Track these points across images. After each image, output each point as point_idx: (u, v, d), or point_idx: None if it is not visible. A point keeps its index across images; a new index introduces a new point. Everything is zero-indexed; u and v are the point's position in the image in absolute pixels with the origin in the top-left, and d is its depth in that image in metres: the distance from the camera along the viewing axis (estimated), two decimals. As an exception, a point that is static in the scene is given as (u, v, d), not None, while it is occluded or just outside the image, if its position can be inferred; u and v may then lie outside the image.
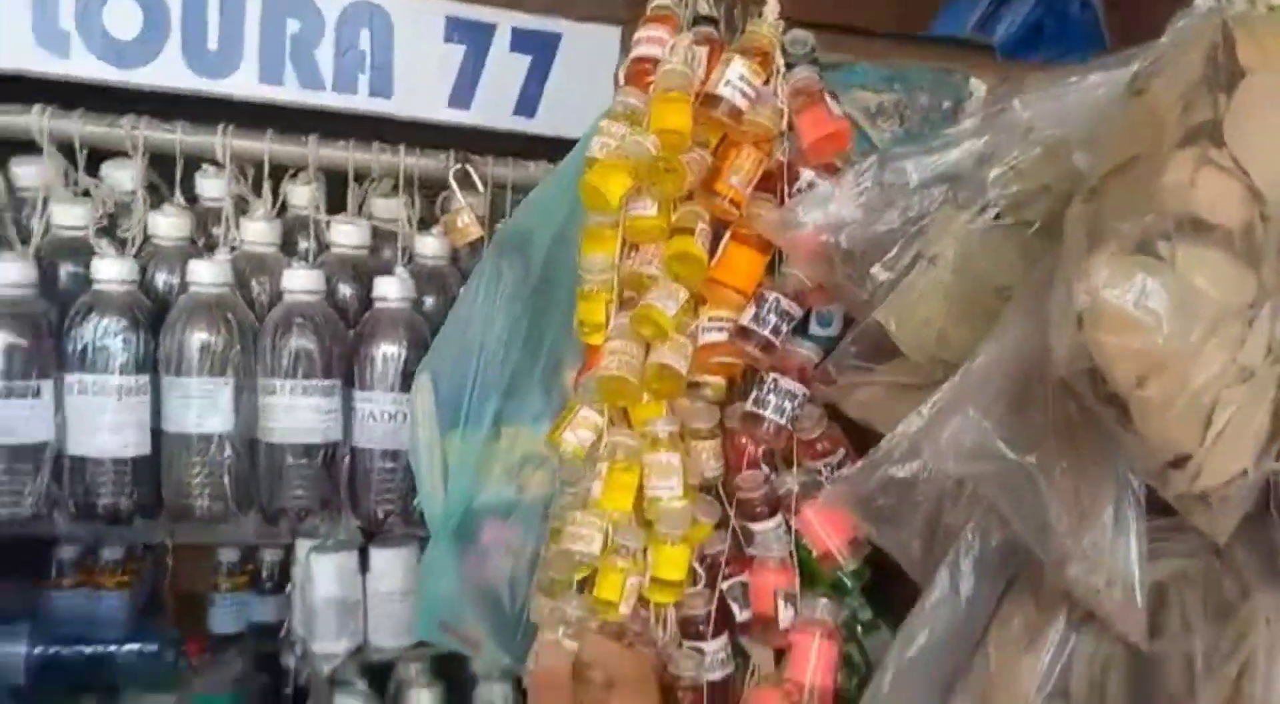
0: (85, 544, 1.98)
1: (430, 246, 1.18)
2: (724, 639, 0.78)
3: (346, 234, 1.15)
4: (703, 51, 0.79)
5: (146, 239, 1.10)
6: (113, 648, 1.93)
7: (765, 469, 0.77)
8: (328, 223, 1.16)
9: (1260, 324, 0.53)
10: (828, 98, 0.76)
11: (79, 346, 1.03)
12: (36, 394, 1.03)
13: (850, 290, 0.73)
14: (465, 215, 1.18)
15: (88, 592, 1.97)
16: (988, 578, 0.66)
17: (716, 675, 0.78)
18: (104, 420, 1.04)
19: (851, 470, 0.69)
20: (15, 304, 1.02)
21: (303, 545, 1.35)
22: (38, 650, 1.86)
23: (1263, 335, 0.53)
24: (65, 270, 1.08)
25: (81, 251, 1.07)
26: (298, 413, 1.09)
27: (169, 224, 1.09)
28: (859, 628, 0.89)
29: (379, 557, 1.30)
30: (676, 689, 0.76)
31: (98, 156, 1.11)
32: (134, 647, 1.95)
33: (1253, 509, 0.59)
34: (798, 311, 0.74)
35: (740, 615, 0.78)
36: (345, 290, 1.15)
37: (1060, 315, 0.55)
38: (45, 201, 1.07)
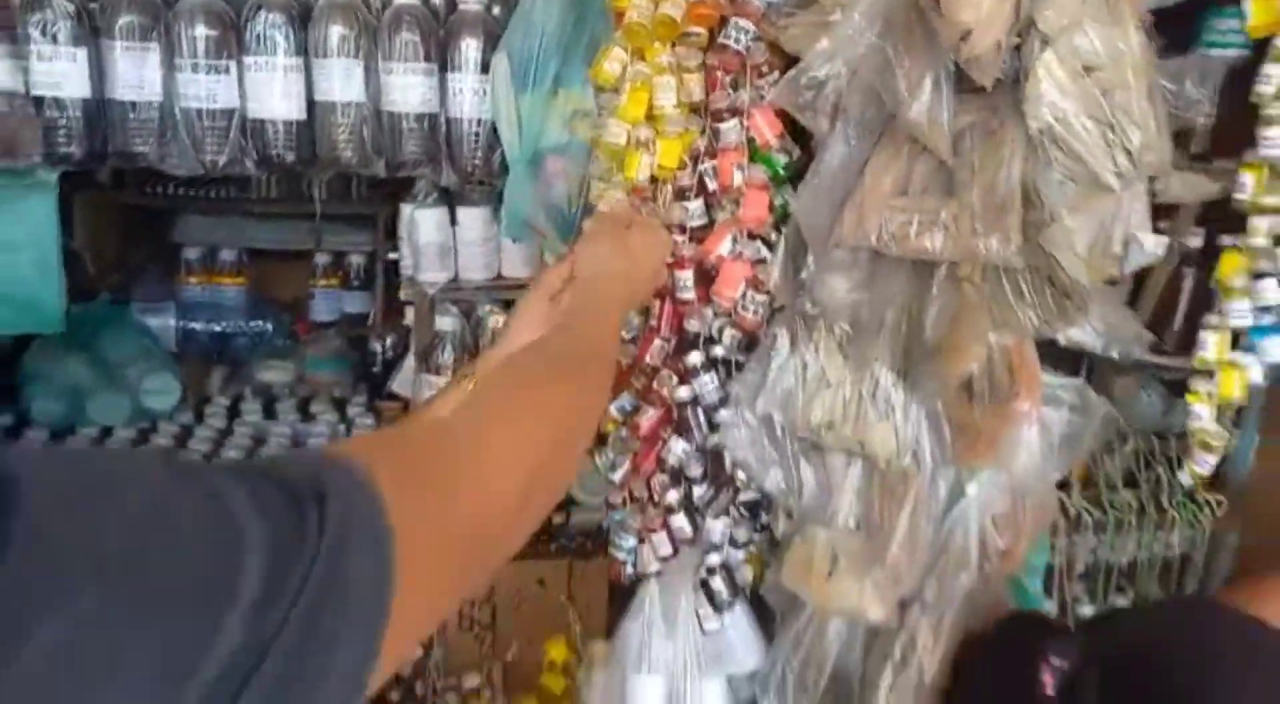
0: (204, 247, 2.48)
1: (497, -37, 1.56)
2: (701, 201, 1.22)
3: (435, -48, 1.53)
4: None
5: (291, -45, 1.49)
6: (238, 326, 2.47)
7: (730, 90, 1.19)
8: (421, -57, 1.53)
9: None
10: None
11: (253, 35, 1.44)
12: (227, 71, 1.45)
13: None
14: (524, -63, 1.54)
15: (213, 286, 2.49)
16: (865, 134, 1.08)
17: (696, 223, 1.22)
18: (274, 90, 1.46)
19: (788, 76, 1.10)
20: (209, 4, 1.42)
21: (406, 207, 1.79)
22: (182, 325, 2.40)
23: (1003, -45, 0.93)
24: (234, -20, 1.47)
25: (244, -35, 1.46)
26: (409, 89, 1.51)
27: (307, -57, 1.48)
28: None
29: (464, 213, 1.75)
30: (671, 229, 1.21)
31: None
32: (255, 324, 2.48)
33: (1011, 79, 1.01)
34: (753, -25, 1.13)
35: (711, 186, 1.22)
36: (436, -1, 1.54)
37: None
38: (215, -73, 1.45)
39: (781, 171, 1.22)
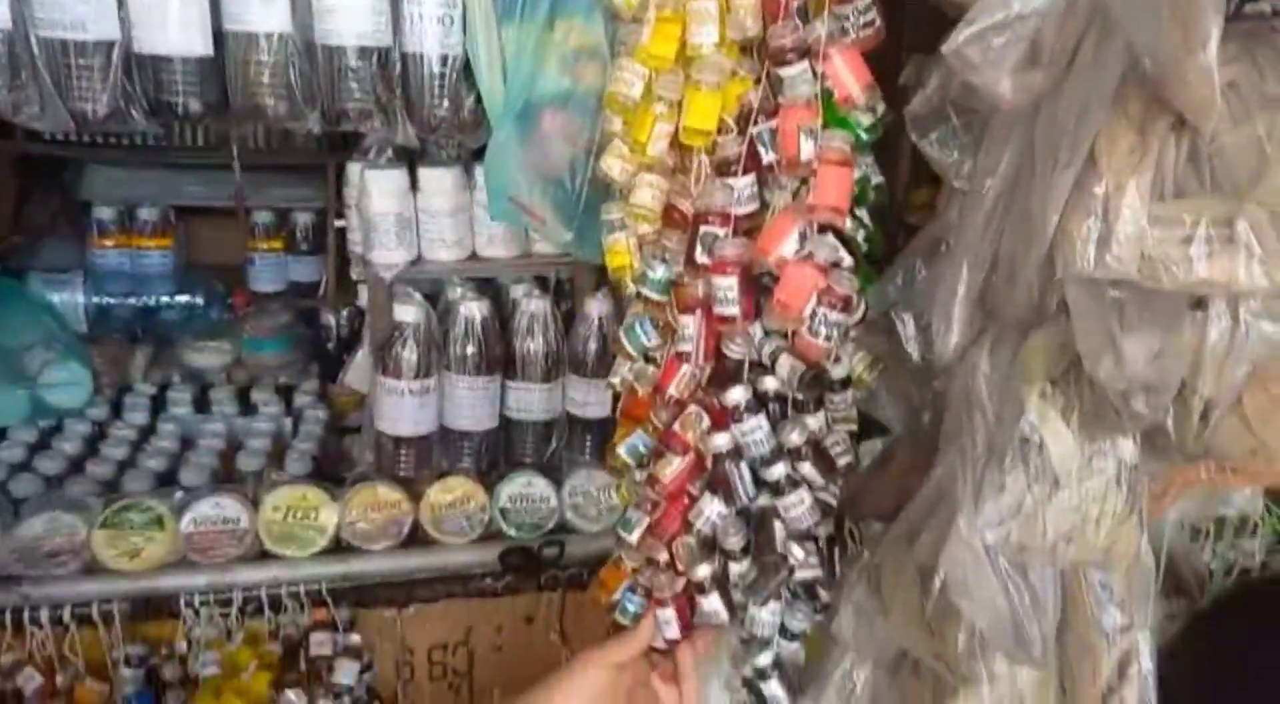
0: (120, 205, 2.08)
1: None
2: (752, 177, 0.87)
3: None
4: None
5: None
6: (163, 300, 2.09)
7: (798, 21, 0.83)
8: None
9: None
10: None
11: (135, -62, 1.05)
12: (101, -13, 1.06)
13: None
14: None
15: (132, 251, 2.10)
16: (1091, 100, 0.71)
17: (744, 209, 0.87)
18: (169, 17, 1.08)
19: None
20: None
21: (354, 167, 1.42)
22: (93, 301, 2.01)
23: None
24: None
25: None
26: (351, 14, 1.12)
27: None
28: (870, 192, 0.98)
29: (429, 175, 1.38)
30: (709, 217, 0.86)
31: None
32: (182, 299, 2.10)
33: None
34: None
35: (766, 158, 0.86)
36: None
37: None
38: None
39: (864, 137, 0.87)
